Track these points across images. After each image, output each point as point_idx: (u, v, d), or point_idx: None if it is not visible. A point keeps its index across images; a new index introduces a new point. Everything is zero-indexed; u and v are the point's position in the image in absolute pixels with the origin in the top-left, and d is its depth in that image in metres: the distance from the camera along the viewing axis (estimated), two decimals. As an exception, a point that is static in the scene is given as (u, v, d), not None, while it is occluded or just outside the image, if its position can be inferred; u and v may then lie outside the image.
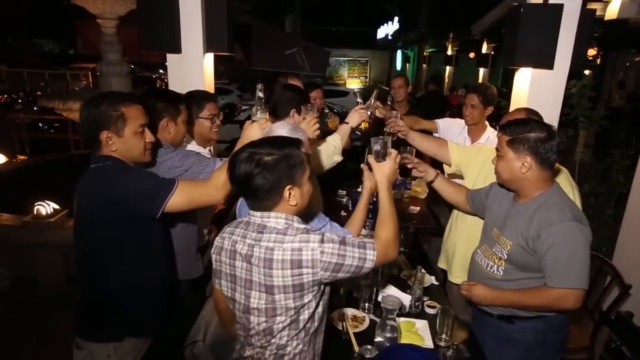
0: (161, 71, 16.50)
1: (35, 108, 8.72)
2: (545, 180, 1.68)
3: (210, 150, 2.44)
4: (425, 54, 17.11)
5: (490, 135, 2.82)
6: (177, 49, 2.74)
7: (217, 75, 3.82)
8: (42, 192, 3.83)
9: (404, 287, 2.15)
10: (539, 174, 1.65)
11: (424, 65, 16.84)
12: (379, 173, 1.60)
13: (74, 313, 1.74)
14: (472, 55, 13.32)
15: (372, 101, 2.43)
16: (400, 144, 2.14)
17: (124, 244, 1.60)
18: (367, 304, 1.99)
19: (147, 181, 1.60)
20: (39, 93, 10.52)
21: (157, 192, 1.56)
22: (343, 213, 3.13)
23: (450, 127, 3.09)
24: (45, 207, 3.72)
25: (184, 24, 2.72)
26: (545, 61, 2.52)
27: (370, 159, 1.65)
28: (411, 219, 3.12)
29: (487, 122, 2.91)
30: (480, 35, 10.09)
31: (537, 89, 2.60)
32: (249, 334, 1.35)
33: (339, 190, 3.55)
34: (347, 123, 2.24)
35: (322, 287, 1.33)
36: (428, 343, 1.79)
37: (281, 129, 1.58)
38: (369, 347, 1.67)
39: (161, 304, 1.78)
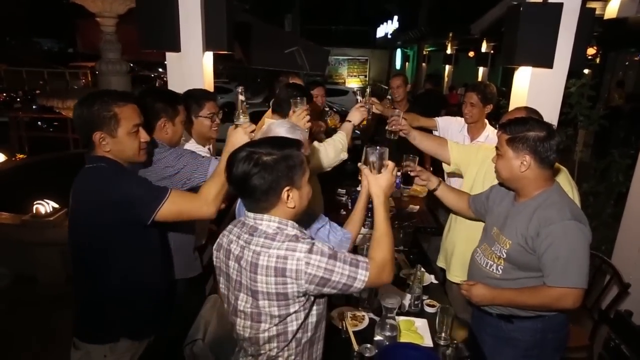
0: (160, 70, 16.50)
1: (34, 107, 8.72)
2: (545, 179, 1.68)
3: (209, 149, 2.44)
4: (424, 53, 17.11)
5: (490, 133, 2.82)
6: (176, 48, 2.74)
7: (217, 74, 3.83)
8: (41, 191, 3.83)
9: (403, 285, 2.15)
10: (539, 172, 1.65)
11: (424, 64, 16.84)
12: (376, 186, 1.47)
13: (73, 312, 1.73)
14: (471, 54, 13.36)
15: (367, 97, 2.47)
16: (403, 152, 2.16)
17: (118, 245, 1.58)
18: (366, 303, 1.99)
19: (140, 188, 1.56)
20: (38, 92, 10.52)
21: (149, 200, 1.54)
22: (343, 212, 3.14)
23: (450, 126, 3.10)
24: (45, 206, 3.73)
25: (183, 23, 2.71)
26: (545, 60, 2.52)
27: (366, 170, 1.52)
28: (411, 217, 3.13)
29: (486, 121, 2.92)
30: (479, 34, 10.11)
31: (536, 88, 2.60)
32: (239, 338, 1.33)
33: (339, 189, 3.56)
34: (350, 121, 2.29)
35: (312, 297, 1.27)
36: (427, 342, 1.80)
37: (279, 127, 1.57)
38: (369, 345, 1.67)
39: (158, 304, 1.77)
